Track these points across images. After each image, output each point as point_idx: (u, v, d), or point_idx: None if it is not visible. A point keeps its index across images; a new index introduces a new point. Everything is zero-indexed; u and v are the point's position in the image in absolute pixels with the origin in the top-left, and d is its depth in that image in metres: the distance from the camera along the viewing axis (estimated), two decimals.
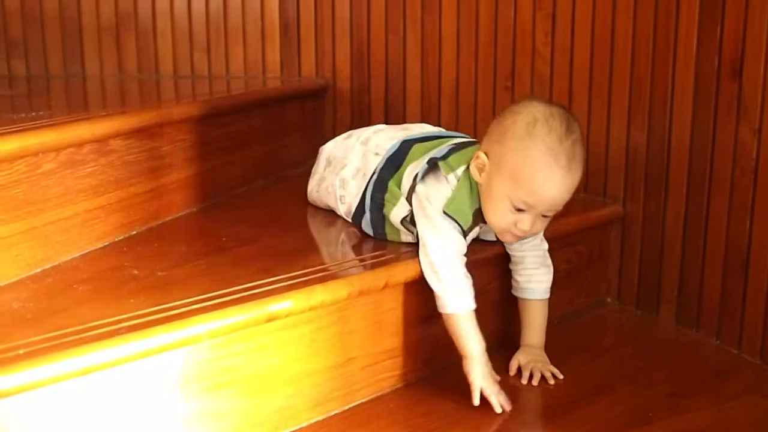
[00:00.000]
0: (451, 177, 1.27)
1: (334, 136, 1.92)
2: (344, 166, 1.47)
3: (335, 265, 1.27)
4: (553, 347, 1.38)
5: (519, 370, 1.33)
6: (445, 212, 1.26)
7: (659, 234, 1.52)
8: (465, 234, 1.28)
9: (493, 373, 1.25)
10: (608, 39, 1.54)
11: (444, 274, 1.24)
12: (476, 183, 1.26)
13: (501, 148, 1.22)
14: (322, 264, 1.28)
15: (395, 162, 1.37)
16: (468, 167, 1.27)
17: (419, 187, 1.29)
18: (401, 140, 1.41)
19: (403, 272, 1.26)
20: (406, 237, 1.34)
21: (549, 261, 1.39)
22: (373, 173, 1.39)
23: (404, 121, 1.86)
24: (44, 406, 0.96)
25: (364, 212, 1.39)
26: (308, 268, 1.24)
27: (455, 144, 1.34)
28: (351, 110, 1.92)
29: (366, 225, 1.39)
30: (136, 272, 1.22)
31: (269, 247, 1.34)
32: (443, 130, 1.53)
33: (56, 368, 0.94)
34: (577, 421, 1.20)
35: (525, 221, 1.22)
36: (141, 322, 1.03)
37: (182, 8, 1.94)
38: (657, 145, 1.49)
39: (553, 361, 1.35)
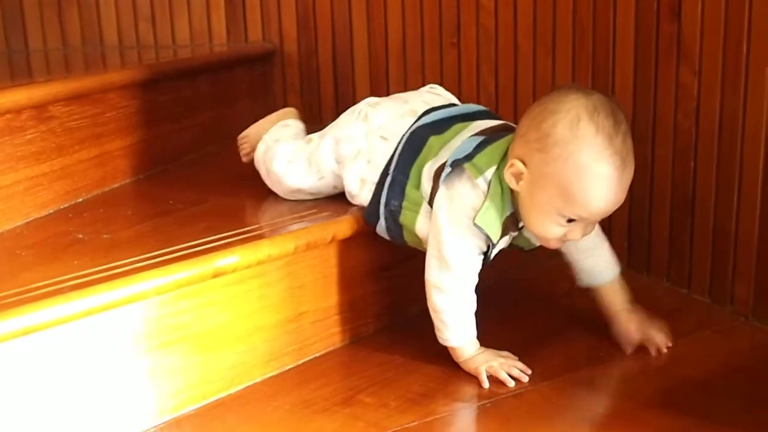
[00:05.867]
0: (480, 181, 1.12)
1: (285, 100, 1.92)
2: (343, 141, 1.29)
3: (282, 220, 1.27)
4: (504, 297, 1.38)
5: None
6: (475, 224, 1.13)
7: None
8: (492, 246, 1.16)
9: (493, 351, 1.18)
10: None
11: (453, 303, 1.16)
12: (507, 186, 1.12)
13: (543, 157, 1.07)
14: (270, 221, 1.28)
15: (410, 158, 1.20)
16: (497, 167, 1.13)
17: (443, 192, 1.15)
18: (412, 129, 1.23)
19: (350, 226, 1.25)
20: None
21: (599, 228, 1.24)
22: (386, 174, 1.22)
23: (353, 82, 1.86)
24: None
25: (378, 218, 1.24)
26: (255, 224, 1.24)
27: (479, 139, 1.17)
28: (300, 74, 1.91)
29: (382, 231, 1.25)
30: (80, 236, 1.22)
31: (217, 208, 1.33)
32: (447, 96, 1.34)
33: None
34: (528, 364, 1.21)
35: (576, 231, 1.10)
36: (85, 281, 1.02)
37: None
38: (601, 92, 1.49)
39: (507, 310, 1.35)
